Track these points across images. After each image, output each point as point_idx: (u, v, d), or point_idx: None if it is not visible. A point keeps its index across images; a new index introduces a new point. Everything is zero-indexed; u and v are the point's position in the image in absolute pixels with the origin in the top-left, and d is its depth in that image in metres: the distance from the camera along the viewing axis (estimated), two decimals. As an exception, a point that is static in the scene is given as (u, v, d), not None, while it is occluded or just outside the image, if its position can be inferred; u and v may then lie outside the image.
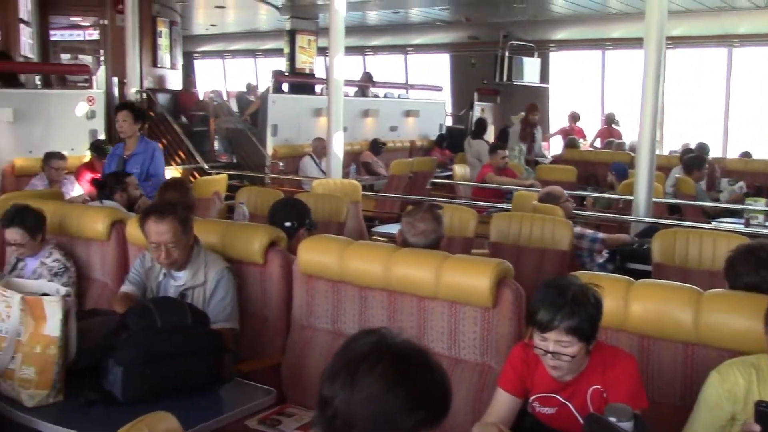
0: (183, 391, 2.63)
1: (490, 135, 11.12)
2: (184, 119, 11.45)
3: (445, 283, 2.86)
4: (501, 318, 2.79)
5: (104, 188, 4.93)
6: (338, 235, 4.16)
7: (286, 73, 12.74)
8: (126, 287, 3.38)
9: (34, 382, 2.50)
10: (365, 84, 11.99)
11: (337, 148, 7.47)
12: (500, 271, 2.79)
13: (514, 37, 13.20)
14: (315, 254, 3.26)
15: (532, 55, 13.21)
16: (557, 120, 13.51)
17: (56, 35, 12.15)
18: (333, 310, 3.22)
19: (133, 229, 3.84)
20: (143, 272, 3.37)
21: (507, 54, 12.62)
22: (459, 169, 8.63)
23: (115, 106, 5.56)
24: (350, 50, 8.71)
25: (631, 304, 2.61)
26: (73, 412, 2.53)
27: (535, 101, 10.75)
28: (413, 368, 1.43)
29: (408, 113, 12.22)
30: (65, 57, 12.58)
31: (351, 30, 8.47)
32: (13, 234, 3.77)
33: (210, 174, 8.83)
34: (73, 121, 7.81)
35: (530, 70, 13.18)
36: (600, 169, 8.68)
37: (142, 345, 2.56)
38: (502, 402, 2.38)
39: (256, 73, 18.43)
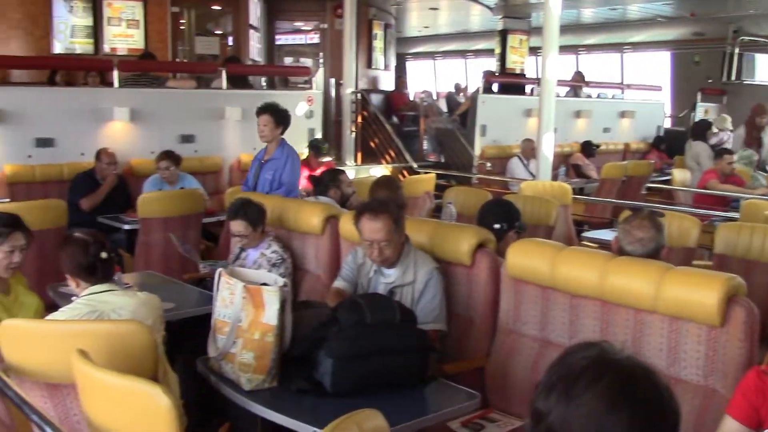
0: (388, 388, 2.65)
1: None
2: (395, 119, 11.75)
3: (666, 296, 2.65)
4: (730, 338, 2.54)
5: (320, 185, 5.15)
6: (546, 239, 4.02)
7: (497, 73, 12.66)
8: (339, 283, 3.48)
9: (253, 367, 2.63)
10: (578, 84, 11.61)
11: (547, 149, 7.29)
12: (731, 287, 2.54)
13: (745, 33, 12.18)
14: (524, 258, 3.16)
15: (766, 51, 12.11)
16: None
17: (280, 39, 12.95)
18: (541, 317, 3.11)
19: (346, 225, 3.96)
20: (355, 268, 3.46)
21: (737, 50, 11.66)
22: (679, 174, 8.09)
23: (258, 108, 5.41)
24: (563, 49, 8.44)
25: None
26: (285, 399, 2.63)
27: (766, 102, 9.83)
28: (639, 388, 1.30)
29: (623, 114, 11.66)
30: (288, 60, 13.37)
31: (565, 28, 8.22)
32: (237, 226, 4.03)
33: (418, 173, 8.97)
34: (294, 120, 8.21)
35: (764, 68, 12.08)
36: None
37: (351, 339, 2.60)
38: (732, 431, 2.16)
39: (465, 73, 18.51)
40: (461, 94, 12.55)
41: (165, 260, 5.44)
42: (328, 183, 5.10)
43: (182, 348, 3.36)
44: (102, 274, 2.84)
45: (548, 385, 1.35)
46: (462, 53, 18.77)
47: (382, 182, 4.85)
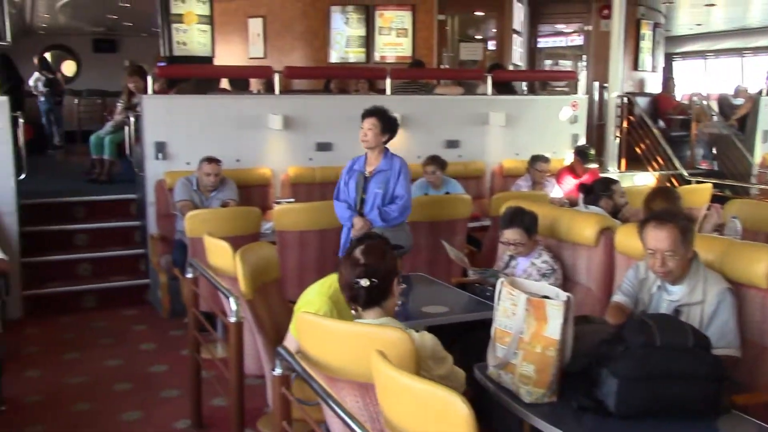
0: (675, 415, 2.50)
1: None
2: (661, 123, 11.13)
3: None
4: None
5: (590, 194, 5.01)
6: None
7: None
8: (618, 297, 3.36)
9: (533, 380, 2.61)
10: None
11: None
12: None
13: None
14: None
15: None
16: None
17: (540, 42, 12.81)
18: None
19: (622, 238, 3.82)
20: (636, 283, 3.31)
21: None
22: None
23: (365, 110, 4.83)
24: None
25: None
26: (566, 415, 2.57)
27: None
28: None
29: None
30: (547, 63, 13.20)
31: None
32: (512, 234, 4.04)
33: (689, 181, 8.43)
34: (557, 125, 8.13)
35: None
36: None
37: (639, 360, 2.49)
38: None
39: (741, 73, 17.04)
40: (740, 96, 11.55)
41: (431, 263, 5.61)
42: (599, 192, 4.94)
43: (452, 351, 3.44)
44: (363, 302, 2.66)
45: None
46: (738, 51, 17.29)
47: (658, 192, 4.58)
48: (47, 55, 16.26)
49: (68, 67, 17.43)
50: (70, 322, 6.24)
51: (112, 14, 13.93)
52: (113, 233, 7.12)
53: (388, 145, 4.91)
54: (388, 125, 4.82)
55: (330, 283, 3.07)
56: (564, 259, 4.25)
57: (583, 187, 5.22)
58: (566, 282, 4.19)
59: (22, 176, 6.38)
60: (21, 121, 6.35)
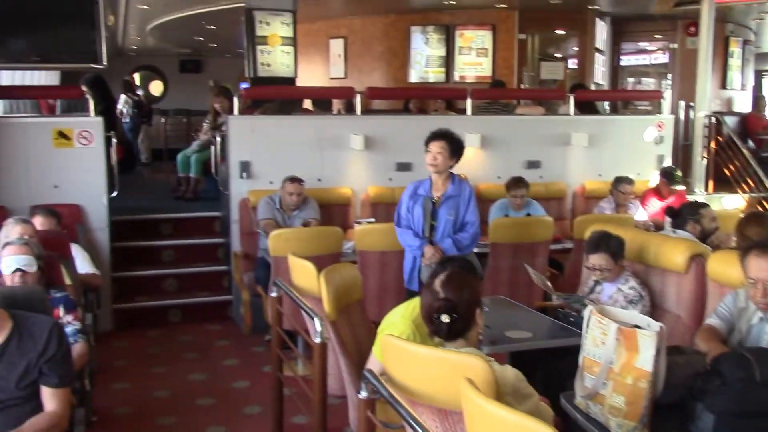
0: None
1: None
2: (751, 143, 10.74)
3: None
4: None
5: (678, 217, 4.88)
6: None
7: None
8: (713, 320, 3.25)
9: (623, 412, 2.55)
10: None
11: None
12: None
13: None
14: None
15: None
16: None
17: (622, 60, 12.57)
18: None
19: (715, 265, 3.69)
20: (734, 311, 3.19)
21: None
22: None
23: (432, 133, 4.66)
24: None
25: None
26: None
27: None
28: None
29: None
30: (630, 81, 12.94)
31: None
32: (598, 259, 3.96)
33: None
34: (641, 146, 7.95)
35: None
36: None
37: (737, 396, 2.40)
38: None
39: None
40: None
41: (512, 286, 5.57)
42: (687, 216, 4.80)
43: (533, 377, 3.38)
44: (445, 335, 2.60)
45: None
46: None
47: (752, 218, 4.43)
48: (136, 76, 16.97)
49: (156, 87, 18.10)
50: (157, 336, 6.43)
51: (199, 36, 14.38)
52: (198, 250, 7.31)
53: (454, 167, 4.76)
54: (457, 149, 4.66)
55: (414, 306, 3.07)
56: (652, 285, 4.13)
57: (670, 211, 5.08)
58: (654, 309, 4.07)
59: (114, 194, 6.61)
60: (114, 140, 6.59)
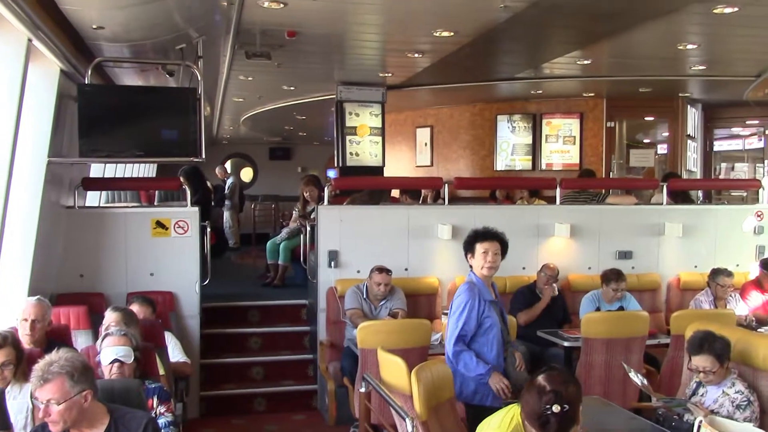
0: None
1: None
2: None
3: None
4: None
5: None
6: None
7: None
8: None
9: None
10: None
11: None
12: None
13: None
14: None
15: None
16: None
17: (715, 146, 12.29)
18: None
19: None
20: None
21: None
22: None
23: (486, 233, 4.20)
24: None
25: None
26: None
27: None
28: None
29: None
30: (723, 166, 12.59)
31: None
32: (702, 361, 3.77)
33: None
34: (739, 236, 7.65)
35: None
36: None
37: None
38: None
39: None
40: None
41: (605, 383, 5.35)
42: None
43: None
44: (554, 429, 2.56)
45: None
46: None
47: None
48: (227, 164, 17.66)
49: (246, 174, 18.76)
50: (243, 425, 6.43)
51: (289, 126, 14.89)
52: (284, 337, 7.36)
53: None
54: (506, 249, 4.25)
55: (512, 415, 2.96)
56: (761, 389, 3.89)
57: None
58: (764, 415, 3.82)
59: (206, 281, 6.76)
60: (208, 229, 6.79)
